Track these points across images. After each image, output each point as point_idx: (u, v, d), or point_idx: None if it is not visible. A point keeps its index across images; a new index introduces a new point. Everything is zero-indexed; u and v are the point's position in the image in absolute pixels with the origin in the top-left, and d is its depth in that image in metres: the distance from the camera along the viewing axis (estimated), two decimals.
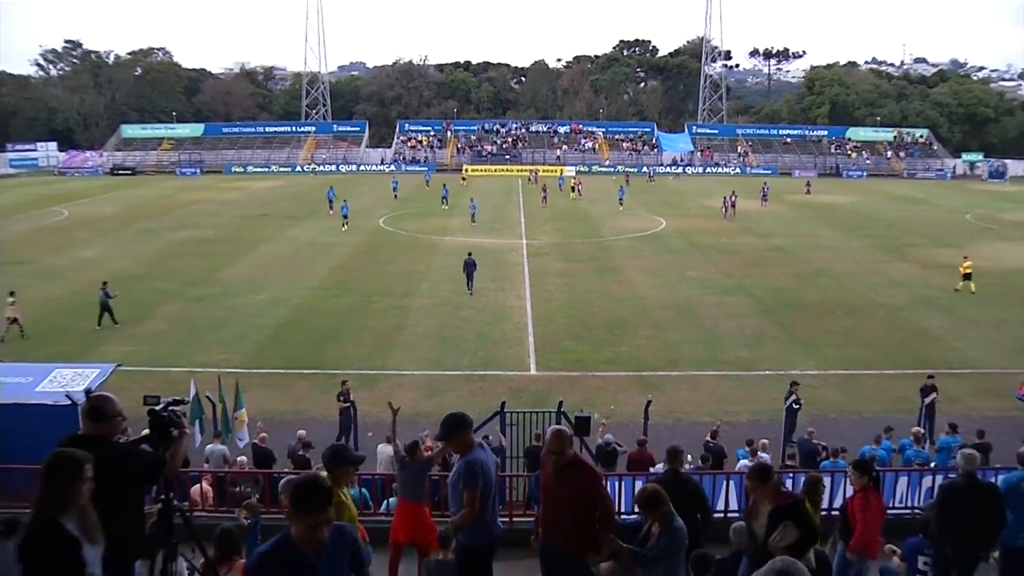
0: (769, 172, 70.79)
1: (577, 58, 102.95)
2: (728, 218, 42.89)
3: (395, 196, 50.29)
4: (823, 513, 8.16)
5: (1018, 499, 7.08)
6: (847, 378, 18.43)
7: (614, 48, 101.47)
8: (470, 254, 26.63)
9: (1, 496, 9.49)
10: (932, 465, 11.49)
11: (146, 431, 4.63)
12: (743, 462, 11.75)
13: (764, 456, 12.07)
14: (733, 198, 45.40)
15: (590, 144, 78.52)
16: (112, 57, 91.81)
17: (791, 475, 10.30)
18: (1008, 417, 15.77)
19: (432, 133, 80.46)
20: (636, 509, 6.08)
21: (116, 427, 4.50)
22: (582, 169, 69.13)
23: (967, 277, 26.16)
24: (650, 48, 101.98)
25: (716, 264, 31.03)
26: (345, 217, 38.81)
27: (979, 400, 16.68)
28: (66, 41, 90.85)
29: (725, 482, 10.06)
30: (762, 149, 78.84)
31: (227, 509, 9.83)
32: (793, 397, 14.72)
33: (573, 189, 52.55)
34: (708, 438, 12.83)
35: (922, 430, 13.55)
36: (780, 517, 5.28)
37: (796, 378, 15.79)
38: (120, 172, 69.94)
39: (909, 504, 10.14)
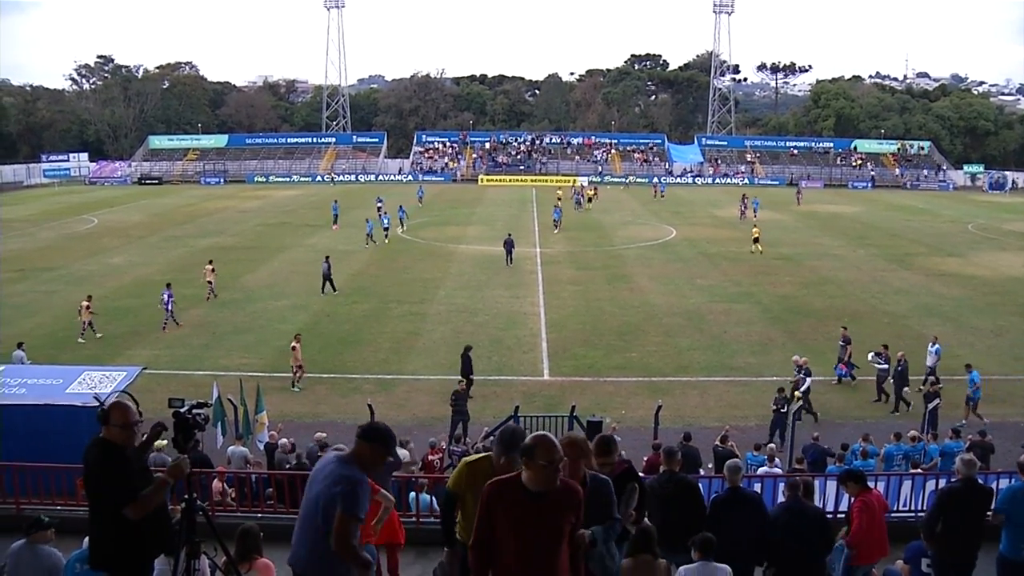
0: (776, 183, 71.10)
1: (589, 71, 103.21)
2: (744, 220, 44.09)
3: (379, 212, 42.20)
4: (829, 516, 8.31)
5: (1021, 510, 6.85)
6: (852, 384, 18.65)
7: (625, 62, 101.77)
8: (510, 235, 32.77)
9: (32, 495, 9.80)
10: (924, 466, 11.68)
11: (156, 441, 4.95)
12: (763, 468, 11.91)
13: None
14: (753, 203, 46.73)
15: (602, 155, 79.14)
16: (141, 71, 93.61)
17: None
18: (1011, 424, 16.09)
19: (449, 144, 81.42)
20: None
21: (135, 433, 4.72)
22: (595, 179, 69.67)
23: (756, 241, 33.78)
24: (660, 62, 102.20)
25: (724, 272, 31.33)
26: (401, 221, 41.46)
27: (981, 406, 16.82)
28: (98, 56, 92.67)
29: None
30: (770, 160, 79.04)
31: (247, 508, 10.11)
32: (797, 404, 15.06)
33: (589, 200, 53.11)
34: (717, 443, 13.01)
35: (917, 433, 13.84)
36: (624, 481, 5.40)
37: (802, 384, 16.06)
38: (147, 181, 71.31)
39: (913, 508, 10.18)
